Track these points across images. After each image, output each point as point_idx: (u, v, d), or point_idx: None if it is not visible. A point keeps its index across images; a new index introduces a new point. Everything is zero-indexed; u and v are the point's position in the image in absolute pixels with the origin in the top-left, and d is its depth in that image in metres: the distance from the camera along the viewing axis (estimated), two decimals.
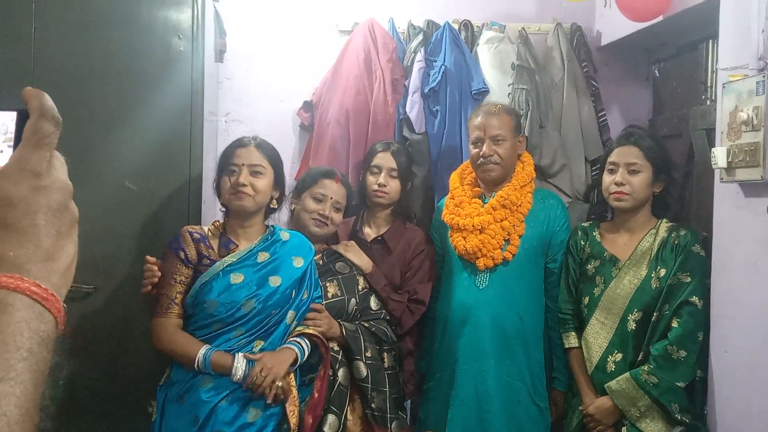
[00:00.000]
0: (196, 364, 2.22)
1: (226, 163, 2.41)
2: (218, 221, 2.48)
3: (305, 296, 2.44)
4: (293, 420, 2.32)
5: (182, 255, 2.31)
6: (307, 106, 3.39)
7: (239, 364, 2.22)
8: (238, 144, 2.44)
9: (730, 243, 2.34)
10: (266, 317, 2.31)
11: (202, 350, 2.22)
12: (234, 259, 2.33)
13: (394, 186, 2.90)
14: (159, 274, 2.32)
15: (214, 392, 2.23)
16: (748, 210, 2.22)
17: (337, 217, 2.72)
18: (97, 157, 2.63)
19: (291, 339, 2.38)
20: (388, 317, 2.74)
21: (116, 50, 2.66)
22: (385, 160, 2.91)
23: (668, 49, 3.38)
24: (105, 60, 2.65)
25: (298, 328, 2.43)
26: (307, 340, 2.42)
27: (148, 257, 2.37)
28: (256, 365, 2.24)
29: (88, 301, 2.65)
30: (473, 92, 3.24)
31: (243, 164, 2.38)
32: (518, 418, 2.68)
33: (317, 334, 2.45)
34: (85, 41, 2.63)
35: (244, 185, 2.35)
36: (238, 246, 2.39)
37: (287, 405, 2.32)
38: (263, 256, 2.38)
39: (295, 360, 2.33)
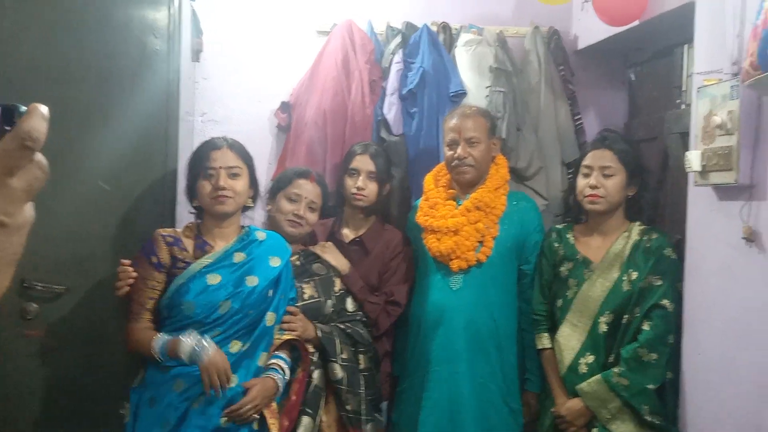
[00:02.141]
0: (154, 353, 2.21)
1: (201, 167, 2.38)
2: (192, 223, 2.45)
3: (282, 297, 2.43)
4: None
5: (154, 260, 2.30)
6: (285, 106, 3.37)
7: (187, 340, 2.17)
8: (212, 146, 2.41)
9: (703, 246, 2.36)
10: (243, 317, 2.30)
11: (154, 339, 2.22)
12: (210, 260, 2.31)
13: (372, 188, 2.90)
14: (134, 275, 2.30)
15: (187, 396, 2.21)
16: (722, 213, 2.24)
17: (312, 217, 2.71)
18: (71, 157, 2.60)
19: (272, 363, 2.37)
20: (364, 319, 2.74)
21: (91, 49, 2.63)
22: (363, 162, 2.90)
23: (644, 53, 3.40)
24: (80, 59, 2.62)
25: (276, 335, 2.42)
26: (287, 358, 2.42)
27: (123, 260, 2.35)
28: (246, 397, 2.23)
29: (59, 301, 2.61)
30: (451, 94, 3.24)
31: (220, 167, 2.35)
32: (491, 420, 2.69)
33: (297, 339, 2.45)
34: (59, 40, 2.60)
35: (225, 189, 2.34)
36: (213, 247, 2.37)
37: (268, 417, 2.31)
38: (239, 257, 2.36)
39: (278, 389, 2.33)
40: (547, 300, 2.73)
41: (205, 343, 2.17)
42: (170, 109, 2.72)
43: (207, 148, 2.41)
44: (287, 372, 2.39)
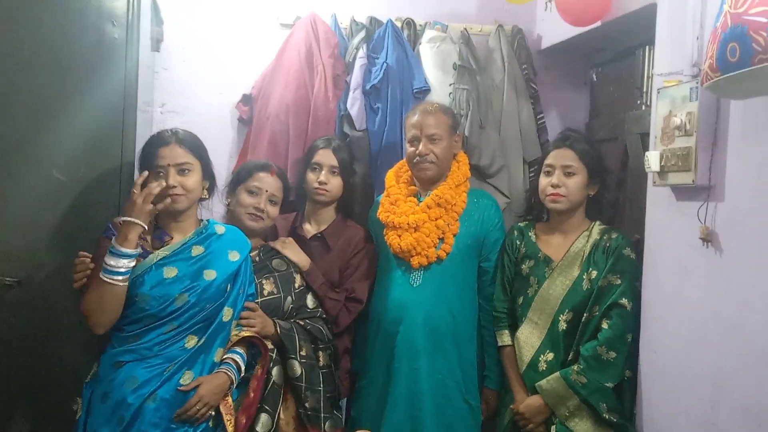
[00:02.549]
0: (106, 278, 2.13)
1: (150, 164, 2.30)
2: None
3: (241, 292, 2.40)
4: (230, 428, 2.29)
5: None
6: (246, 99, 3.32)
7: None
8: (159, 142, 2.33)
9: (661, 246, 2.39)
10: (200, 311, 2.26)
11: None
12: (167, 253, 2.27)
13: (335, 183, 2.88)
14: (92, 266, 2.24)
15: (140, 392, 2.16)
16: (680, 213, 2.26)
17: (273, 210, 2.68)
18: (25, 147, 2.55)
19: (226, 358, 2.34)
20: (324, 315, 2.72)
21: (46, 36, 2.57)
22: (325, 157, 2.88)
23: (606, 54, 3.44)
24: (34, 46, 2.56)
25: (234, 331, 2.39)
26: (243, 354, 2.39)
27: (82, 252, 2.28)
28: (193, 397, 2.20)
29: (11, 294, 2.55)
30: (414, 91, 3.24)
31: (168, 164, 2.29)
32: (449, 416, 2.69)
33: (255, 336, 2.42)
34: (12, 25, 2.54)
35: (174, 187, 2.28)
36: (172, 238, 2.33)
37: (223, 414, 2.28)
38: (197, 250, 2.33)
39: (231, 383, 2.30)
40: (508, 297, 2.74)
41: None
42: (128, 99, 2.68)
43: (155, 144, 2.33)
44: (242, 367, 2.37)
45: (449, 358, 2.72)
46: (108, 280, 2.13)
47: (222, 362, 2.33)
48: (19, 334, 2.57)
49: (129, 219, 2.15)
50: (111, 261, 2.13)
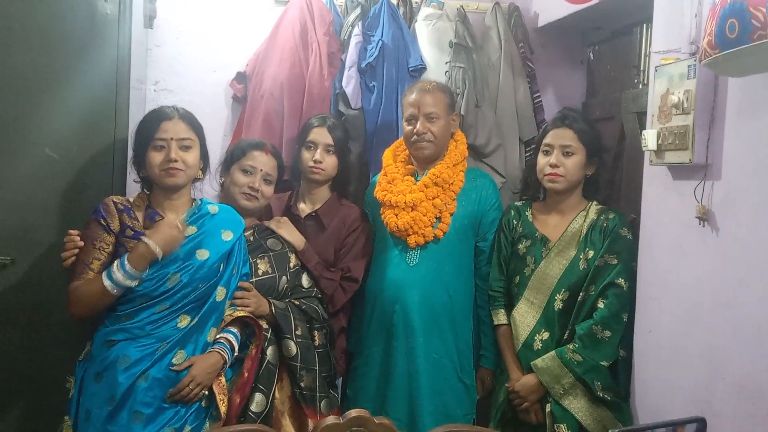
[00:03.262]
0: (109, 287, 2.14)
1: (151, 137, 2.30)
2: (143, 193, 2.39)
3: (234, 272, 2.39)
4: (223, 408, 2.28)
5: (103, 222, 2.23)
6: (241, 77, 3.29)
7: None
8: (163, 116, 2.33)
9: (657, 225, 2.38)
10: (192, 291, 2.25)
11: (108, 271, 2.16)
12: None
13: (330, 162, 2.86)
14: (81, 244, 2.23)
15: (132, 372, 2.16)
16: (676, 192, 2.26)
17: (268, 189, 2.66)
18: (17, 124, 2.52)
19: (220, 337, 2.34)
20: (319, 295, 2.71)
21: (37, 12, 2.53)
22: (321, 135, 2.86)
23: (603, 32, 3.41)
24: (25, 22, 2.52)
25: (228, 311, 2.38)
26: (237, 333, 2.39)
27: (71, 230, 2.27)
28: (185, 377, 2.20)
29: (5, 272, 2.54)
30: (410, 69, 3.21)
31: (171, 138, 2.29)
32: (444, 395, 2.70)
33: (249, 316, 2.41)
34: (2, 2, 2.50)
35: (176, 161, 2.27)
36: (164, 218, 2.31)
37: (216, 393, 2.28)
38: (190, 230, 2.32)
39: (225, 363, 2.30)
40: (504, 276, 2.74)
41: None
42: (120, 76, 2.65)
43: (157, 117, 2.33)
44: (236, 346, 2.36)
45: (445, 338, 2.72)
46: (109, 289, 2.14)
47: (215, 342, 2.32)
48: (13, 312, 2.56)
49: (155, 248, 2.16)
50: (120, 277, 2.14)
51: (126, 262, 2.15)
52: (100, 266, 2.21)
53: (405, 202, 2.71)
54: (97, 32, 2.60)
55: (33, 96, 2.53)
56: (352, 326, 2.91)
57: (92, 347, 2.24)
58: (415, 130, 2.74)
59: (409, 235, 2.71)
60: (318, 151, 2.84)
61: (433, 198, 2.73)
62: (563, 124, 2.64)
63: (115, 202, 2.28)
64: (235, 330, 2.39)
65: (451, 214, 2.74)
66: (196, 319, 2.26)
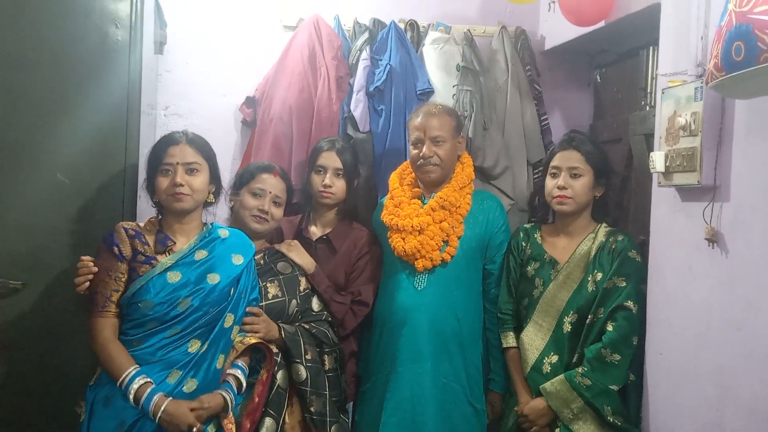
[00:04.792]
0: (119, 384, 2.14)
1: (159, 162, 2.32)
2: (154, 218, 2.40)
3: (243, 296, 2.39)
4: None
5: (116, 250, 2.23)
6: (250, 101, 3.33)
7: (133, 387, 2.13)
8: (170, 141, 2.35)
9: (666, 247, 2.38)
10: (203, 315, 2.25)
11: (127, 375, 2.14)
12: (171, 262, 2.26)
13: (339, 186, 2.87)
14: (95, 270, 2.24)
15: None
16: (685, 214, 2.26)
17: (278, 212, 2.67)
18: (29, 149, 2.54)
19: (228, 374, 2.33)
20: (329, 319, 2.71)
21: (50, 38, 2.56)
22: (330, 159, 2.87)
23: (610, 55, 3.43)
24: (37, 48, 2.55)
25: (238, 337, 2.38)
26: (245, 367, 2.38)
27: (84, 257, 2.28)
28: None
29: (16, 297, 2.54)
30: (418, 92, 3.24)
31: (177, 163, 2.30)
32: (454, 420, 2.68)
33: (260, 341, 2.41)
34: (15, 28, 2.52)
35: (182, 186, 2.29)
36: (175, 243, 2.32)
37: (224, 423, 2.27)
38: (201, 254, 2.32)
39: (227, 403, 2.28)
40: (513, 299, 2.73)
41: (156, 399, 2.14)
42: (131, 101, 2.66)
43: (165, 143, 2.35)
44: (243, 382, 2.35)
45: (454, 362, 2.70)
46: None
47: (223, 382, 2.31)
48: (24, 337, 2.56)
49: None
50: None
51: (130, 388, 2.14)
52: (119, 297, 2.22)
53: (412, 226, 2.71)
54: (108, 58, 2.62)
55: (44, 121, 2.55)
56: (362, 350, 2.90)
57: (102, 371, 2.23)
58: (421, 154, 2.74)
59: (416, 259, 2.70)
60: (328, 175, 2.85)
61: (441, 221, 2.73)
62: (570, 146, 2.65)
63: (125, 228, 2.29)
64: (242, 363, 2.39)
65: (459, 238, 2.74)
66: (206, 345, 2.26)
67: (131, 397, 2.11)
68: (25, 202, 2.54)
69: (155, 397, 2.13)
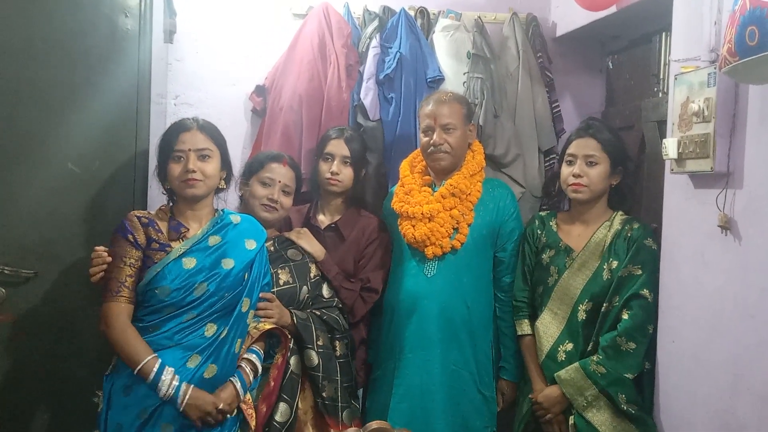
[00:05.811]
0: (136, 371, 2.15)
1: (170, 149, 2.33)
2: (165, 205, 2.41)
3: (256, 281, 2.40)
4: (252, 423, 2.31)
5: (131, 238, 2.24)
6: (260, 90, 3.32)
7: (166, 378, 2.14)
8: (181, 128, 2.36)
9: (679, 234, 2.36)
10: (218, 300, 2.26)
11: (150, 364, 2.14)
12: (186, 248, 2.28)
13: (347, 173, 2.87)
14: (109, 260, 2.24)
15: None
16: (698, 201, 2.24)
17: (287, 201, 2.68)
18: (40, 139, 2.55)
19: (243, 359, 2.35)
20: (340, 305, 2.72)
21: (59, 28, 2.57)
22: (337, 147, 2.87)
23: (622, 41, 3.40)
24: (47, 38, 2.55)
25: (252, 323, 2.40)
26: (260, 352, 2.40)
27: (97, 247, 2.29)
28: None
29: (28, 286, 2.56)
30: (428, 80, 3.22)
31: (189, 149, 2.31)
32: (463, 407, 2.68)
33: (276, 327, 2.44)
34: (26, 18, 2.53)
35: (194, 172, 2.30)
36: (188, 229, 2.33)
37: (244, 408, 2.30)
38: (214, 240, 2.33)
39: (238, 393, 2.29)
40: (528, 287, 2.73)
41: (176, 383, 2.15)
42: (141, 90, 2.67)
43: (176, 129, 2.36)
44: (260, 367, 2.37)
45: (464, 349, 2.71)
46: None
47: (237, 368, 2.33)
48: (36, 326, 2.58)
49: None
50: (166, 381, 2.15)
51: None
52: (133, 283, 2.23)
53: (422, 213, 2.71)
54: (118, 47, 2.63)
55: (55, 111, 2.56)
56: (371, 338, 2.91)
57: (118, 360, 2.23)
58: (431, 141, 2.74)
59: (426, 246, 2.70)
60: (335, 162, 2.85)
61: (451, 209, 2.72)
62: (587, 133, 2.63)
63: (138, 217, 2.30)
64: (258, 348, 2.41)
65: (469, 225, 2.73)
66: (223, 329, 2.27)
67: (163, 389, 2.12)
68: (37, 191, 2.55)
69: (183, 386, 2.15)
